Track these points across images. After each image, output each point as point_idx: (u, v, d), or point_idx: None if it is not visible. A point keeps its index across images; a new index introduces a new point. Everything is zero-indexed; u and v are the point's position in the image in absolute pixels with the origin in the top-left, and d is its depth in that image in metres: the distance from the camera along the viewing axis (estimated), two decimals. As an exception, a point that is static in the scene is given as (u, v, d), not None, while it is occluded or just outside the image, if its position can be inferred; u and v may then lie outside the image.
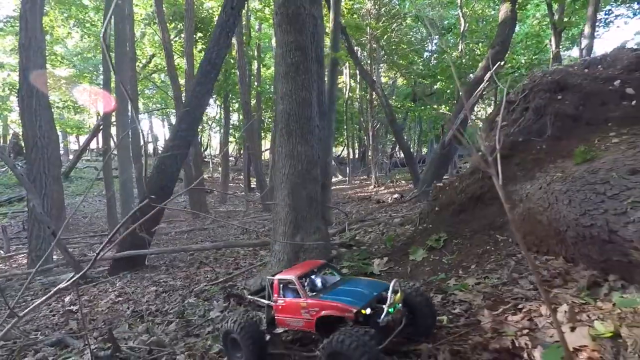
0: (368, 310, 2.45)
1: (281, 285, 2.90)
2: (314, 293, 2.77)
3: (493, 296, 2.82)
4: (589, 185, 2.58)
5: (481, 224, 3.63)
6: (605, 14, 18.28)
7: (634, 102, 3.54)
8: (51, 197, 12.27)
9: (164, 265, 8.09)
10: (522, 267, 3.01)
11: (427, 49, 28.46)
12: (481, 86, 11.30)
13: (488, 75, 11.54)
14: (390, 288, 2.52)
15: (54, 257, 9.11)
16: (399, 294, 2.57)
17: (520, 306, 2.59)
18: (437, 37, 28.08)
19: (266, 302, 3.02)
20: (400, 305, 2.57)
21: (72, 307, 5.62)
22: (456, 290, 2.97)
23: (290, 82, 4.28)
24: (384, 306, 2.46)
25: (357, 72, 21.60)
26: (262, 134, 27.48)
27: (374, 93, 19.27)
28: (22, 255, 10.13)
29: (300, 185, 4.21)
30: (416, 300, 2.64)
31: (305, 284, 2.86)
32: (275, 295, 2.91)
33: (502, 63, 20.13)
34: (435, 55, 27.18)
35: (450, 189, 4.30)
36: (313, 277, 2.96)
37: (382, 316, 2.40)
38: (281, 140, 4.35)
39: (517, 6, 12.66)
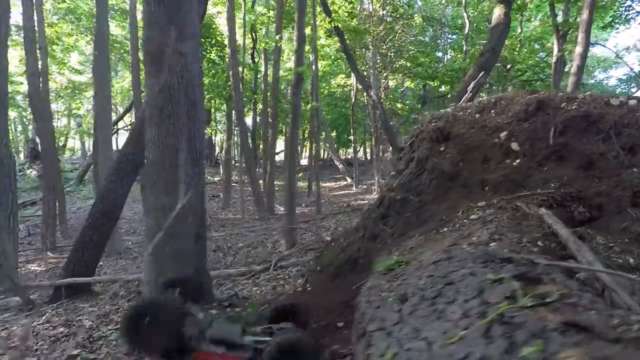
0: None
1: None
2: None
3: None
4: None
5: (342, 297, 3.13)
6: (625, 10, 16.74)
7: (517, 161, 2.91)
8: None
9: (111, 291, 7.78)
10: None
11: (439, 48, 27.26)
12: (464, 97, 10.50)
13: (471, 86, 10.73)
14: None
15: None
16: None
17: None
18: (450, 35, 26.88)
19: None
20: None
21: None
22: None
23: (154, 128, 3.89)
24: None
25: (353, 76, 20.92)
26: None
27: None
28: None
29: (164, 242, 3.85)
30: None
31: None
32: None
33: (509, 67, 18.98)
34: (446, 57, 26.04)
35: (335, 246, 3.80)
36: None
37: None
38: (146, 192, 4.01)
39: (511, 10, 11.71)
